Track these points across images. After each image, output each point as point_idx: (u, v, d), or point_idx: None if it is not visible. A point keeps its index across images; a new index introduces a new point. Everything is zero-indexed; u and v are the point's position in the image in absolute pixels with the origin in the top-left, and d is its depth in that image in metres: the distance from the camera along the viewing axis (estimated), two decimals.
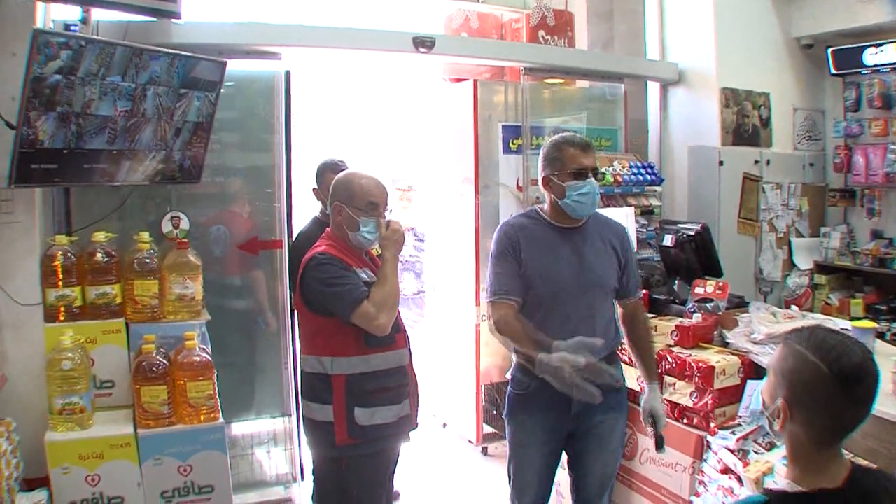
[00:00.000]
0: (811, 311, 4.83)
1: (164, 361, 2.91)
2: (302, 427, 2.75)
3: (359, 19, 4.37)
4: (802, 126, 5.51)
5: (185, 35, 3.42)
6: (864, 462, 2.49)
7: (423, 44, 4.05)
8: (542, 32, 4.84)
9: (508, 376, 2.73)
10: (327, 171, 3.55)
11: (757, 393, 2.91)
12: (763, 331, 3.08)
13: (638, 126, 5.41)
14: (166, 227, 3.52)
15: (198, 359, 2.92)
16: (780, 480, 2.52)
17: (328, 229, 2.61)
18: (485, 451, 4.74)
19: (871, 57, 4.99)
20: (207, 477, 2.93)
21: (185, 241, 3.28)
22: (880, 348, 3.13)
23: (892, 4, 4.71)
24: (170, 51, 3.02)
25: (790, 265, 5.41)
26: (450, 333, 4.92)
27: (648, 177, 4.94)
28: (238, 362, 3.87)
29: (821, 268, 5.38)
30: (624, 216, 4.03)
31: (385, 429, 2.50)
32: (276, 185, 3.94)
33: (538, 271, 2.55)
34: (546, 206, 2.67)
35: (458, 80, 4.87)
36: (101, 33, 3.08)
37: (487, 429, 4.77)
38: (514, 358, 2.69)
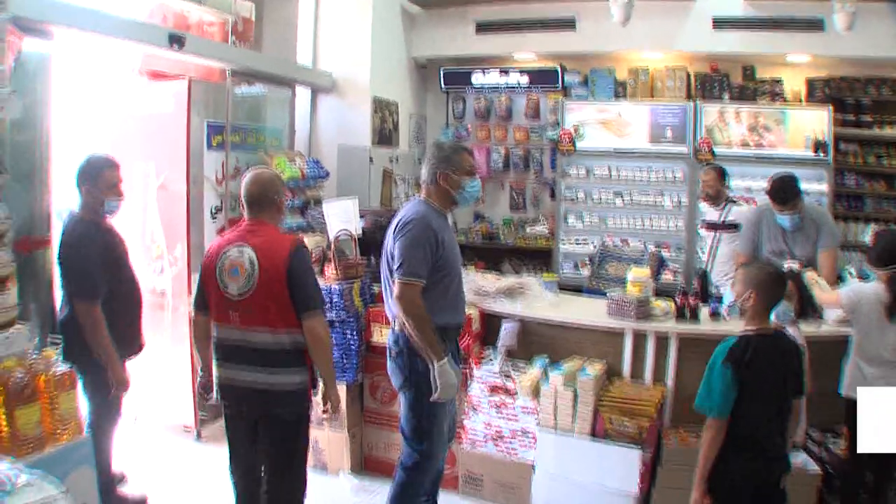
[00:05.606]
0: None
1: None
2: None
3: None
4: (414, 130, 7.02)
5: None
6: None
7: (179, 41, 4.14)
8: (233, 38, 5.16)
9: None
10: (105, 168, 3.50)
11: (506, 333, 4.16)
12: (492, 288, 4.32)
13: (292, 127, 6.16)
14: None
15: (61, 368, 2.72)
16: (555, 385, 3.79)
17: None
18: (199, 435, 4.96)
19: (477, 78, 6.75)
20: (80, 497, 2.73)
21: None
22: None
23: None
24: None
25: None
26: (161, 324, 4.95)
27: (321, 172, 5.76)
28: None
29: None
30: (351, 205, 4.65)
31: None
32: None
33: (452, 255, 3.17)
34: (432, 198, 3.21)
35: (158, 77, 4.85)
36: None
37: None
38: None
